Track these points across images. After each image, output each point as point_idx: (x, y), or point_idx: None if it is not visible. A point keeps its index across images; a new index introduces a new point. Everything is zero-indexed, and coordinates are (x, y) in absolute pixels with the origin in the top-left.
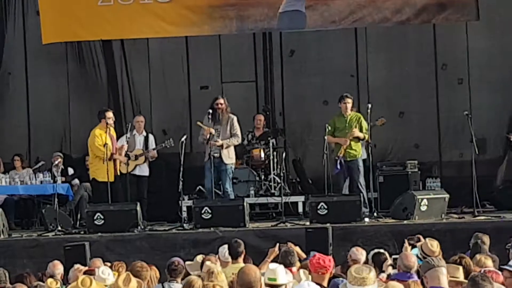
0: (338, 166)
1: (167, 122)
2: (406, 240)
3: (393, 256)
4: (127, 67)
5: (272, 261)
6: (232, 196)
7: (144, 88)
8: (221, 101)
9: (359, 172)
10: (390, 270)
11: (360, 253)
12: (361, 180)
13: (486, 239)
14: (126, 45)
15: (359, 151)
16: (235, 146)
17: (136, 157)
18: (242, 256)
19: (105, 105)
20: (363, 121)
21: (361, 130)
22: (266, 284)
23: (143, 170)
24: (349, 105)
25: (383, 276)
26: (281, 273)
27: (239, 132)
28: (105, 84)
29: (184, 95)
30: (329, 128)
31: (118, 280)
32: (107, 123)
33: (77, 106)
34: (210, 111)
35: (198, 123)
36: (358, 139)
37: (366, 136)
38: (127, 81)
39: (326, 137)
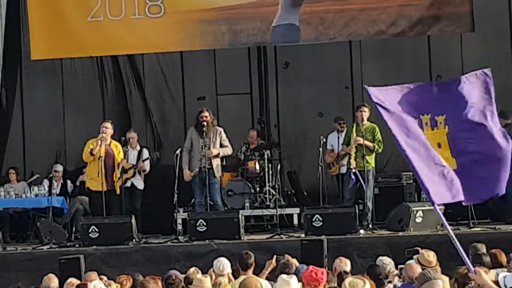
0: (353, 177)
1: (162, 134)
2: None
3: (400, 266)
4: (125, 79)
5: (269, 273)
6: (222, 209)
7: (140, 100)
8: (206, 114)
9: (368, 184)
10: (396, 281)
11: (344, 263)
12: (369, 192)
13: (483, 247)
14: (121, 57)
15: (371, 163)
16: (228, 159)
17: (126, 171)
18: (252, 268)
19: (101, 118)
20: (377, 132)
21: (373, 141)
22: None
23: (137, 183)
24: (366, 114)
25: (390, 286)
26: (294, 283)
27: (228, 143)
28: (99, 96)
29: (179, 108)
30: (327, 140)
31: None
32: (102, 135)
33: (73, 119)
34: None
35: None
36: (369, 150)
37: (378, 147)
38: (123, 93)
39: (320, 149)
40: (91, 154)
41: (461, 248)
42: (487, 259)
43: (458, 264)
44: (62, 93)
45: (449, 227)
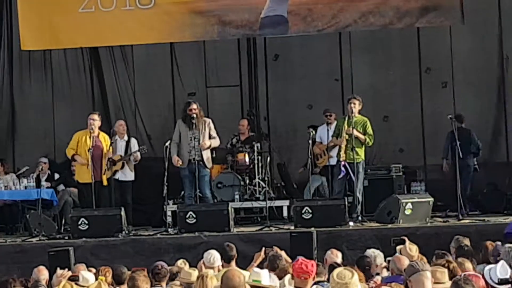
0: (343, 170)
1: (151, 126)
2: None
3: (388, 258)
4: (113, 72)
5: (258, 266)
6: (211, 202)
7: (129, 92)
8: (194, 106)
9: (358, 176)
10: (385, 273)
11: (335, 256)
12: (359, 184)
13: (467, 241)
14: (112, 49)
15: (361, 155)
16: (218, 151)
17: (114, 163)
18: (234, 260)
19: (90, 110)
20: (368, 125)
21: (364, 134)
22: (250, 286)
23: (127, 175)
24: (356, 106)
25: (378, 278)
26: (264, 276)
27: (216, 135)
28: (89, 89)
29: (169, 100)
30: (316, 133)
31: None
32: (91, 127)
33: (62, 111)
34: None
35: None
36: (360, 142)
37: (369, 140)
38: (113, 86)
39: (310, 141)
40: (73, 159)
41: None
42: (468, 250)
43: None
44: (52, 86)
45: None
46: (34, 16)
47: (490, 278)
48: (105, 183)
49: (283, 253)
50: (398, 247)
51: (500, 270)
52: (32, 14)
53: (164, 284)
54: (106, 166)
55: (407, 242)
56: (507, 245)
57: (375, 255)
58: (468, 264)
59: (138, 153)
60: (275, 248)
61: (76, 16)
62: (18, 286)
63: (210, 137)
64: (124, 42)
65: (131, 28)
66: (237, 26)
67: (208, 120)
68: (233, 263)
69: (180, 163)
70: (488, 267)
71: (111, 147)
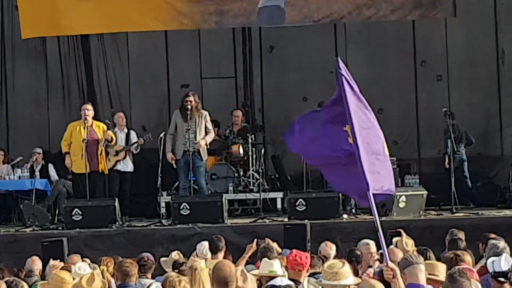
0: None
1: (146, 118)
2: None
3: (380, 251)
4: (106, 64)
5: (250, 257)
6: (206, 193)
7: (124, 84)
8: (191, 98)
9: None
10: (377, 265)
11: (329, 248)
12: None
13: (462, 235)
14: (106, 41)
15: None
16: (212, 142)
17: (117, 153)
18: (223, 252)
19: (83, 102)
20: None
21: None
22: (265, 277)
23: (127, 166)
24: None
25: (370, 271)
26: (278, 266)
27: (212, 128)
28: (83, 80)
29: (164, 91)
30: None
31: (81, 280)
32: (85, 117)
33: (56, 102)
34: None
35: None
36: None
37: None
38: (105, 77)
39: None
40: (66, 153)
41: (383, 239)
42: (463, 244)
43: (441, 249)
44: (46, 77)
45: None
46: (33, 6)
47: (494, 270)
48: (105, 171)
49: (274, 244)
50: (394, 239)
51: (503, 262)
52: (32, 3)
53: (149, 275)
54: (101, 147)
55: (404, 236)
56: (491, 241)
57: (368, 246)
58: (468, 257)
59: (142, 140)
60: (267, 239)
61: (75, 4)
62: (6, 276)
63: (206, 129)
64: (123, 30)
65: (129, 15)
66: (235, 15)
67: (205, 113)
68: (220, 254)
69: (174, 161)
70: (491, 259)
71: (109, 132)
